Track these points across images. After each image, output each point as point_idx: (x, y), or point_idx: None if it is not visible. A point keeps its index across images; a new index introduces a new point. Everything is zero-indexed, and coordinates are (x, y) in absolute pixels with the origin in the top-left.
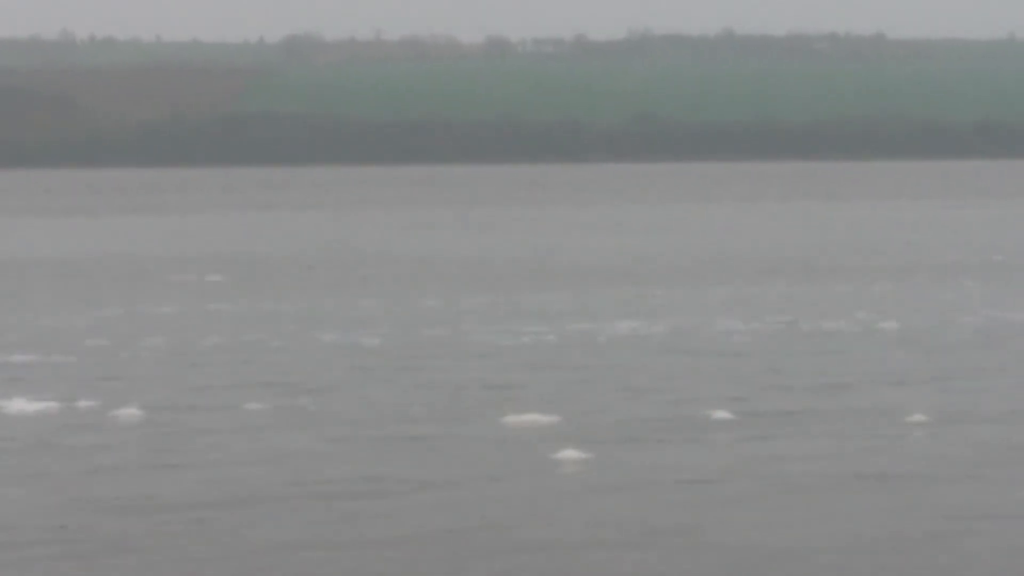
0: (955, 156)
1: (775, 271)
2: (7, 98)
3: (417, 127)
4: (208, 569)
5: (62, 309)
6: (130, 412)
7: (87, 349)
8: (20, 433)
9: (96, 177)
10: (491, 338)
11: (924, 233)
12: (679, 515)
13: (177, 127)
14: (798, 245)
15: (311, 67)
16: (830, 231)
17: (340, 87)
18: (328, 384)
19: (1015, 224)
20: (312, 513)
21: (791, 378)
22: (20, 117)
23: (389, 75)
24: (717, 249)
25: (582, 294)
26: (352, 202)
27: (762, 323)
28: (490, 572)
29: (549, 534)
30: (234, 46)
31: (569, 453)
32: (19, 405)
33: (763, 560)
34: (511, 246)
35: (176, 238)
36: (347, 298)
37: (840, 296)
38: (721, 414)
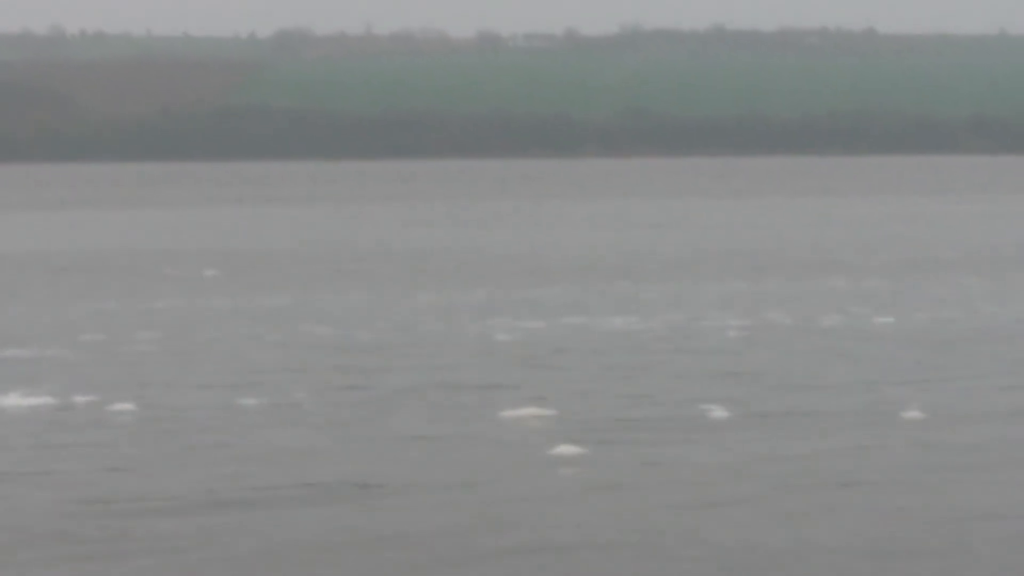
0: (946, 151)
1: (770, 266)
2: None
3: (408, 122)
4: (207, 570)
5: (57, 303)
6: (126, 408)
7: (83, 344)
8: (16, 430)
9: (87, 171)
10: (486, 333)
11: (918, 229)
12: (677, 514)
13: (167, 121)
14: (793, 240)
15: (301, 62)
16: (824, 227)
17: (331, 82)
18: (324, 379)
19: (1009, 220)
20: (309, 512)
21: (787, 374)
22: (10, 112)
23: (380, 70)
24: (712, 244)
25: (577, 289)
26: (345, 197)
27: (758, 319)
28: (489, 572)
29: (548, 534)
30: (224, 40)
31: (566, 449)
32: (14, 400)
33: (761, 560)
34: (505, 241)
35: (170, 232)
36: (342, 293)
37: (836, 292)
38: (718, 411)
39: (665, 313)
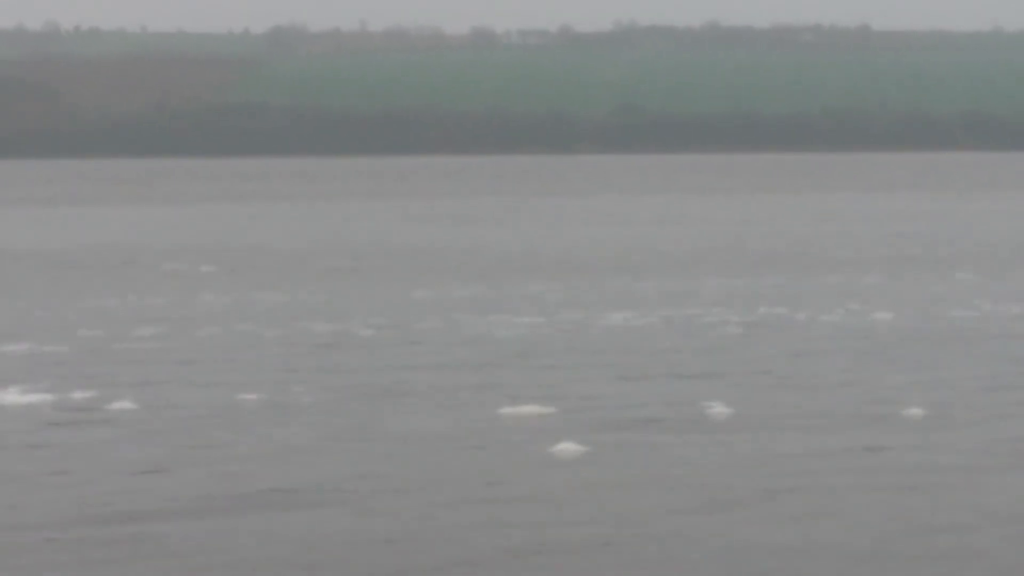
0: (940, 148)
1: (766, 262)
2: None
3: (403, 118)
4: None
5: (54, 299)
6: (125, 405)
7: (80, 340)
8: (13, 427)
9: (82, 167)
10: (484, 329)
11: (914, 225)
12: (681, 515)
13: (162, 118)
14: (788, 237)
15: (296, 58)
16: (819, 223)
17: (325, 78)
18: (321, 376)
19: (1005, 216)
20: (310, 513)
21: (787, 371)
22: (5, 108)
23: (374, 66)
24: (707, 240)
25: (574, 285)
26: (340, 193)
27: (757, 315)
28: (492, 574)
29: (552, 534)
30: (219, 37)
31: (567, 447)
32: (12, 397)
33: (765, 559)
34: (502, 237)
35: (166, 228)
36: (339, 289)
37: (832, 288)
38: (718, 407)
39: (664, 309)
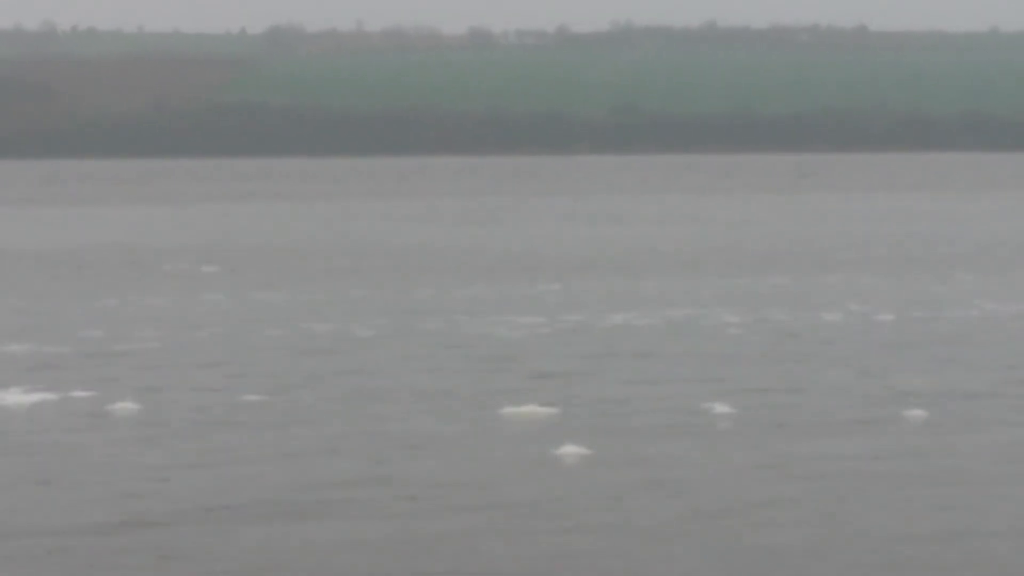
0: (937, 148)
1: (767, 263)
2: None
3: (400, 119)
4: None
5: (55, 300)
6: (126, 405)
7: (81, 340)
8: (15, 427)
9: (79, 167)
10: (485, 329)
11: (913, 225)
12: (685, 517)
13: (159, 118)
14: (789, 237)
15: (293, 58)
16: (819, 223)
17: (322, 79)
18: (323, 376)
19: (1003, 216)
20: (312, 516)
21: (789, 372)
22: (2, 108)
23: (371, 67)
24: (707, 241)
25: (574, 286)
26: (339, 193)
27: (756, 315)
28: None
29: (557, 539)
30: (216, 37)
31: (571, 449)
32: (14, 397)
33: (774, 562)
34: (502, 237)
35: (167, 228)
36: (340, 289)
37: (833, 288)
38: (721, 408)
39: (665, 310)
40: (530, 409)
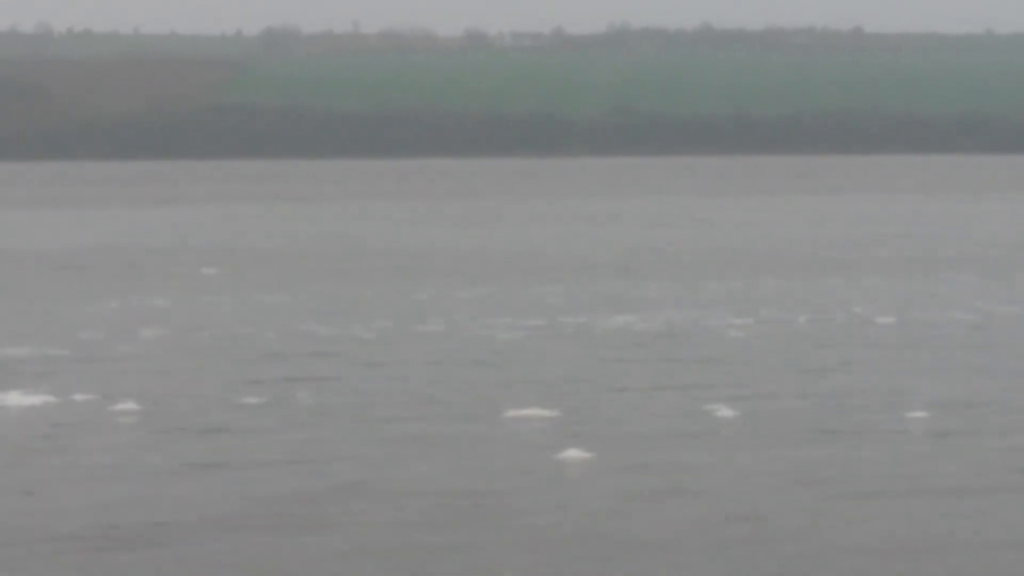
0: (934, 150)
1: (767, 265)
2: None
3: (395, 120)
4: None
5: (55, 301)
6: (127, 407)
7: (82, 342)
8: (15, 430)
9: (75, 169)
10: (487, 332)
11: (911, 227)
12: (690, 524)
13: (155, 119)
14: (788, 239)
15: (289, 60)
16: (818, 225)
17: (318, 80)
18: (324, 378)
19: (1002, 218)
20: (315, 521)
21: (791, 375)
22: None
23: (367, 68)
24: (707, 243)
25: (575, 287)
26: (337, 195)
27: (757, 318)
28: None
29: (561, 545)
30: (212, 39)
31: (574, 454)
32: (15, 399)
33: (781, 568)
34: (500, 239)
35: (166, 230)
36: (340, 291)
37: (834, 290)
38: (724, 411)
39: (665, 312)
40: (532, 412)
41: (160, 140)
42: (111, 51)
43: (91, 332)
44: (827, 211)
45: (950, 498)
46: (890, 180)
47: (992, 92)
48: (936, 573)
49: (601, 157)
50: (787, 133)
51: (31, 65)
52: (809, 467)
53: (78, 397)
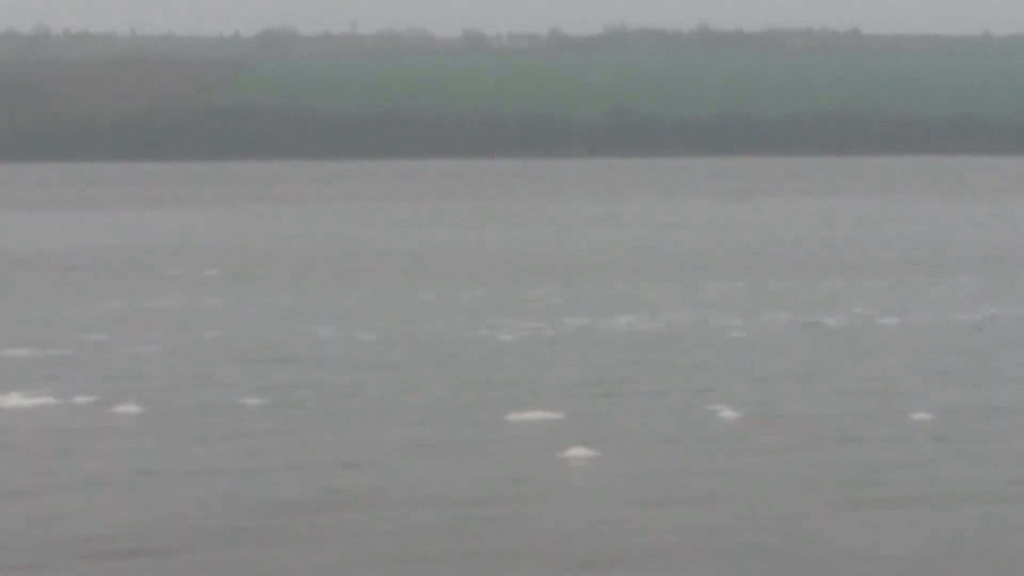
0: (931, 152)
1: (770, 266)
2: None
3: (392, 122)
4: None
5: (57, 303)
6: (129, 409)
7: (84, 343)
8: (16, 433)
9: (72, 171)
10: (489, 333)
11: (911, 228)
12: (699, 528)
13: (153, 121)
14: (788, 240)
15: (286, 61)
16: (818, 226)
17: (315, 81)
18: (326, 380)
19: (1001, 219)
20: (318, 526)
21: (794, 375)
22: None
23: (364, 69)
24: (709, 244)
25: (576, 289)
26: (337, 196)
27: (759, 319)
28: None
29: (563, 548)
30: (209, 40)
31: (579, 452)
32: (16, 401)
33: (790, 570)
34: (500, 240)
35: (167, 232)
36: (343, 292)
37: (836, 292)
38: (726, 411)
39: (667, 312)
40: (535, 415)
41: (158, 141)
42: (108, 52)
43: (92, 334)
44: (827, 212)
45: (956, 503)
46: (888, 181)
47: (989, 94)
48: None
49: (599, 158)
50: (785, 134)
51: (28, 66)
52: (812, 470)
53: (79, 399)
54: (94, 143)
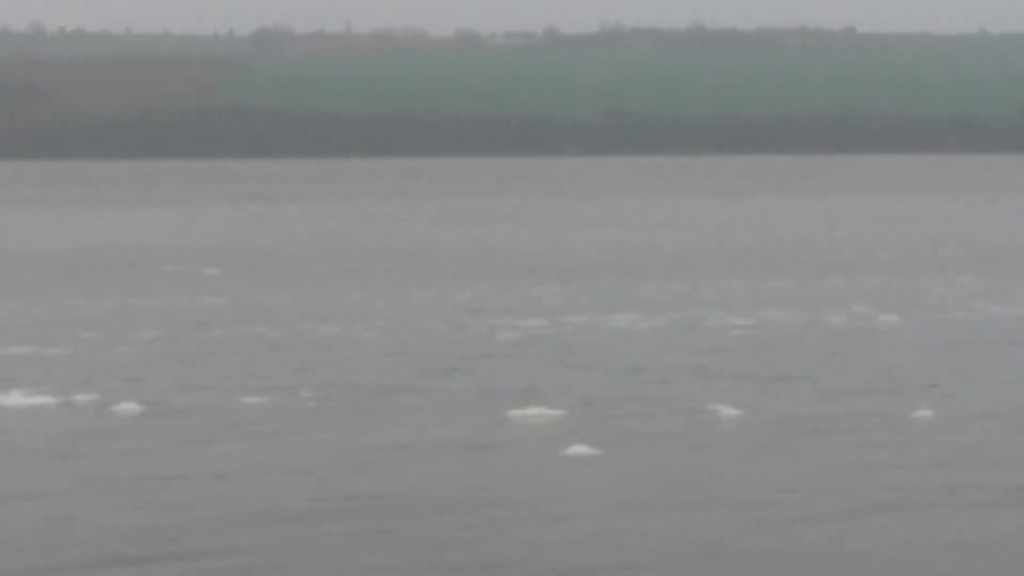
0: (927, 150)
1: (769, 265)
2: None
3: (388, 120)
4: None
5: (56, 301)
6: (128, 408)
7: (83, 342)
8: (15, 433)
9: (67, 169)
10: (489, 332)
11: (910, 227)
12: (701, 530)
13: (147, 119)
14: (787, 239)
15: (281, 60)
16: (817, 225)
17: (310, 80)
18: (325, 379)
19: (999, 218)
20: (319, 529)
21: (795, 375)
22: None
23: (360, 68)
24: (708, 243)
25: (575, 287)
26: (333, 195)
27: (762, 317)
28: None
29: (574, 555)
30: (204, 39)
31: (580, 450)
32: (15, 399)
33: (795, 571)
34: (501, 239)
35: (165, 230)
36: (342, 291)
37: (835, 290)
38: (727, 410)
39: (667, 312)
40: (536, 412)
41: (153, 140)
42: (103, 51)
43: (91, 333)
44: (824, 211)
45: (957, 504)
46: (883, 180)
47: (986, 92)
48: None
49: (594, 157)
50: (780, 133)
51: (23, 64)
52: (814, 470)
53: (79, 398)
54: (89, 141)
